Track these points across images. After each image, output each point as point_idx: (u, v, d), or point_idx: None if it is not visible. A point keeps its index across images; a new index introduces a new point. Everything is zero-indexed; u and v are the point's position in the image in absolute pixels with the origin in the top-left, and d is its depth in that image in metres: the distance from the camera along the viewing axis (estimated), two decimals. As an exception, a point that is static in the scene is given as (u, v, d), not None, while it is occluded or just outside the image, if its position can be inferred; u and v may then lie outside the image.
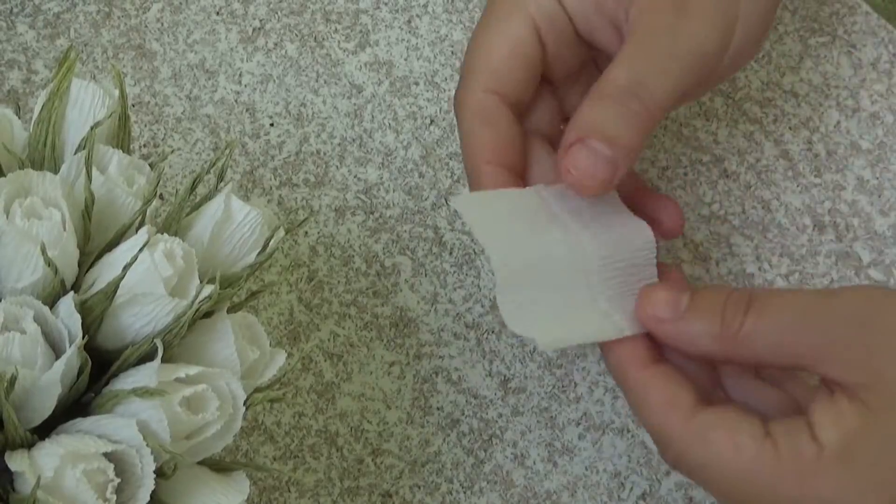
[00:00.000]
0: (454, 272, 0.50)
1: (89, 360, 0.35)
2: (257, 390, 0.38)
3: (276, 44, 0.54)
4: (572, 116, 0.41)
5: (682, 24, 0.41)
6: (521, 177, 0.43)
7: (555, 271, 0.41)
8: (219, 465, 0.38)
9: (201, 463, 0.37)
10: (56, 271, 0.35)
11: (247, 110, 0.52)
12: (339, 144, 0.52)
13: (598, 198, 0.42)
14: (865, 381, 0.38)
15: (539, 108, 0.45)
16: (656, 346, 0.41)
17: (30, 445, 0.34)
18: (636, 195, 0.45)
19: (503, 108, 0.43)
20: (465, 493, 0.47)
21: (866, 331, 0.38)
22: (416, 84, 0.54)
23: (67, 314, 0.35)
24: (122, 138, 0.40)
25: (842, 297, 0.39)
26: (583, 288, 0.41)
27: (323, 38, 0.54)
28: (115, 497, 0.33)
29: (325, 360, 0.49)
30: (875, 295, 0.39)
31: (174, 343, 0.36)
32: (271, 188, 0.51)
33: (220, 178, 0.40)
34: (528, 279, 0.41)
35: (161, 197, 0.50)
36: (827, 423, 0.38)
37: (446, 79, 0.54)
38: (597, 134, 0.40)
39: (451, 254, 0.51)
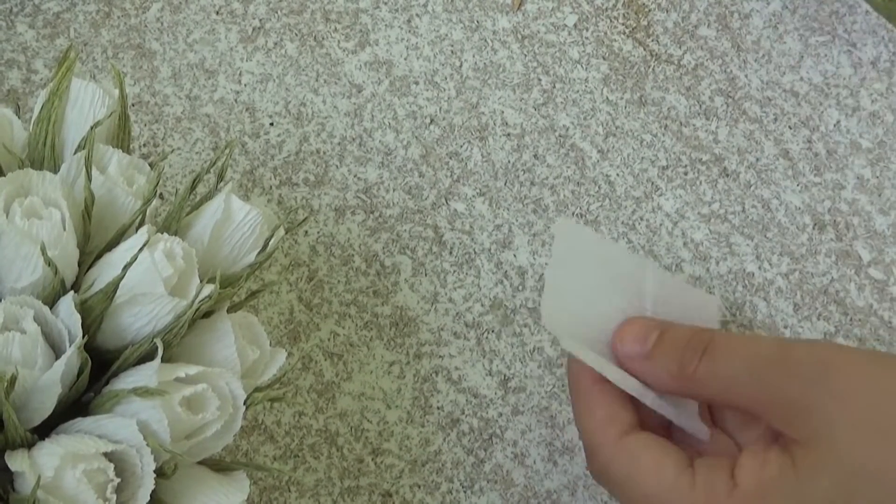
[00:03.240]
0: (454, 271, 0.50)
1: (89, 359, 0.35)
2: (257, 390, 0.38)
3: (275, 43, 0.54)
4: None
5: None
6: None
7: (608, 289, 0.44)
8: (219, 465, 0.38)
9: (201, 463, 0.37)
10: (56, 271, 0.35)
11: (246, 110, 0.52)
12: (339, 144, 0.52)
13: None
14: (801, 439, 0.39)
15: None
16: None
17: (30, 445, 0.34)
18: None
19: None
20: (465, 492, 0.47)
21: (813, 391, 0.39)
22: (416, 83, 0.53)
23: (67, 314, 0.35)
24: (121, 138, 0.40)
25: (796, 351, 0.41)
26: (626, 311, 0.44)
27: (323, 38, 0.54)
28: (115, 497, 0.33)
29: (325, 360, 0.49)
30: (829, 355, 0.40)
31: (174, 343, 0.36)
32: (271, 188, 0.51)
33: (220, 177, 0.40)
34: (577, 294, 0.44)
35: (161, 196, 0.50)
36: (749, 465, 0.40)
37: (446, 78, 0.54)
38: None
39: (451, 253, 0.51)
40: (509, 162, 0.52)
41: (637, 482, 0.41)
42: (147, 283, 0.35)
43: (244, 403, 0.36)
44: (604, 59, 0.54)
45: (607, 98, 0.54)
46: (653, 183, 0.52)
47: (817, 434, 0.39)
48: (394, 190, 0.52)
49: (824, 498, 0.38)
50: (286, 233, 0.40)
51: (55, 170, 0.38)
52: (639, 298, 0.44)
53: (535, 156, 0.52)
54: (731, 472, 0.40)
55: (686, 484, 0.40)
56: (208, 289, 0.36)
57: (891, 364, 0.40)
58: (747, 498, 0.39)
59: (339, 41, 0.54)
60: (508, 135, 0.53)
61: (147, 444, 0.34)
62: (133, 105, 0.52)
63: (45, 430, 0.35)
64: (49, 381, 0.34)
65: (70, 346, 0.34)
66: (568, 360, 0.44)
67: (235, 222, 0.38)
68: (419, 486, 0.47)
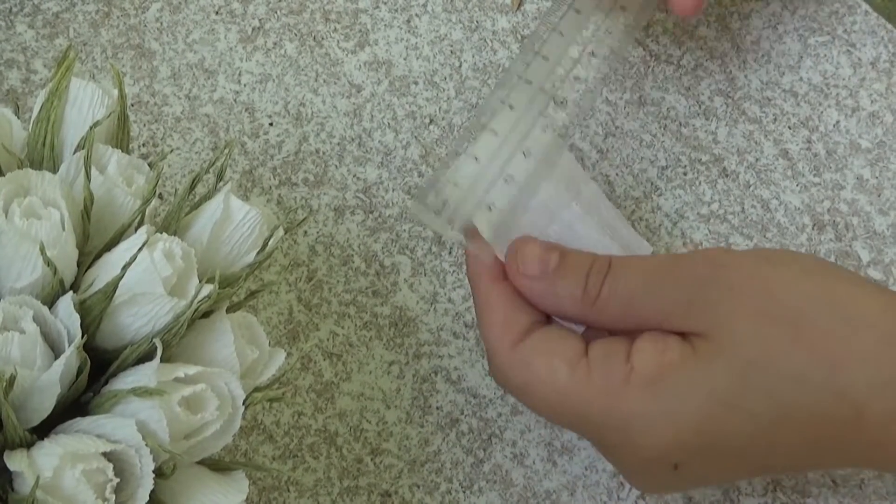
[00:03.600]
0: (453, 271, 0.50)
1: (88, 359, 0.35)
2: (256, 390, 0.38)
3: (275, 43, 0.54)
4: None
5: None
6: None
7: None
8: (218, 465, 0.38)
9: (200, 463, 0.37)
10: (55, 271, 0.35)
11: (246, 110, 0.52)
12: (339, 144, 0.52)
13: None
14: (701, 331, 0.40)
15: None
16: None
17: (29, 445, 0.34)
18: None
19: None
20: (464, 492, 0.47)
21: (707, 289, 0.40)
22: (416, 83, 0.53)
23: (66, 314, 0.35)
24: (121, 138, 0.40)
25: (686, 258, 0.41)
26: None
27: (322, 38, 0.54)
28: (114, 497, 0.33)
29: (325, 360, 0.49)
30: (716, 255, 0.41)
31: (173, 343, 0.36)
32: (270, 188, 0.51)
33: (220, 177, 0.40)
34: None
35: (160, 196, 0.50)
36: (647, 349, 0.40)
37: (445, 78, 0.54)
38: None
39: (450, 253, 0.51)
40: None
41: (533, 388, 0.41)
42: (146, 283, 0.35)
43: (243, 403, 0.36)
44: (603, 59, 0.54)
45: (606, 98, 0.54)
46: (652, 183, 0.52)
47: (715, 325, 0.39)
48: (393, 190, 0.52)
49: (721, 384, 0.39)
50: (285, 233, 0.40)
51: (54, 170, 0.38)
52: (567, 208, 0.44)
53: (534, 156, 0.52)
54: (628, 356, 0.40)
55: (581, 379, 0.40)
56: (207, 289, 0.36)
57: (778, 260, 0.41)
58: (645, 382, 0.39)
59: (338, 41, 0.54)
60: (508, 135, 0.53)
61: (146, 444, 0.34)
62: (132, 105, 0.52)
63: (44, 430, 0.35)
64: (48, 381, 0.34)
65: (69, 346, 0.34)
66: (466, 260, 0.43)
67: (235, 222, 0.38)
68: (418, 486, 0.47)
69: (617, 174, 0.52)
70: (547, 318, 0.43)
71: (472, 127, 0.43)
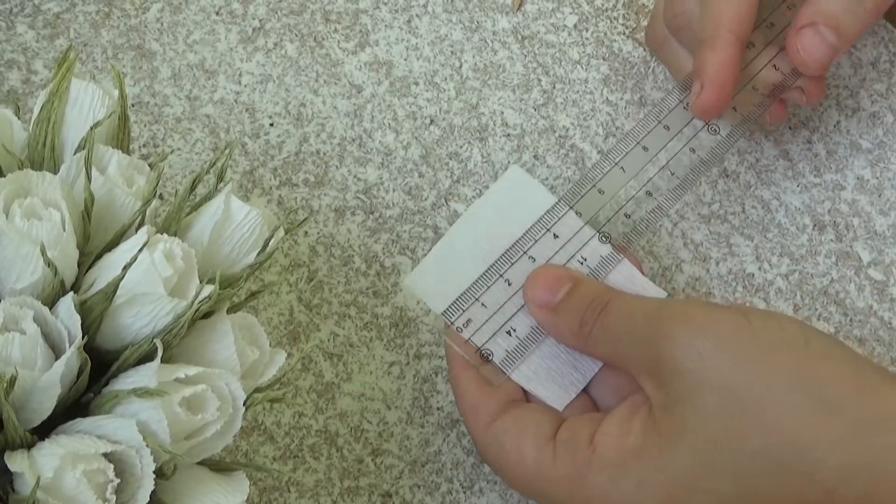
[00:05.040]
0: (454, 272, 0.50)
1: (89, 360, 0.35)
2: (257, 390, 0.38)
3: (275, 44, 0.54)
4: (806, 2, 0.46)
5: None
6: (744, 48, 0.46)
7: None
8: (219, 466, 0.38)
9: (201, 463, 0.37)
10: (56, 272, 0.35)
11: (246, 110, 0.52)
12: (339, 144, 0.52)
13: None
14: (665, 403, 0.39)
15: None
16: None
17: (29, 446, 0.34)
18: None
19: None
20: (465, 493, 0.47)
21: (678, 352, 0.39)
22: (416, 84, 0.53)
23: (67, 315, 0.35)
24: (121, 138, 0.40)
25: (668, 309, 0.41)
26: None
27: (322, 38, 0.54)
28: (114, 497, 0.33)
29: (325, 360, 0.49)
30: (694, 314, 0.40)
31: (174, 343, 0.36)
32: (271, 188, 0.51)
33: (220, 178, 0.40)
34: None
35: (161, 197, 0.50)
36: (611, 433, 0.40)
37: (446, 79, 0.54)
38: (829, 21, 0.45)
39: (450, 254, 0.51)
40: (509, 162, 0.52)
41: (505, 468, 0.42)
42: (147, 283, 0.35)
43: (244, 404, 0.36)
44: (604, 59, 0.54)
45: (607, 99, 0.54)
46: (653, 183, 0.52)
47: (681, 396, 0.39)
48: (394, 190, 0.52)
49: (684, 468, 0.38)
50: (286, 233, 0.40)
51: (55, 170, 0.38)
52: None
53: (535, 156, 0.52)
54: (592, 439, 0.40)
55: (547, 462, 0.40)
56: (208, 289, 0.36)
57: (758, 326, 0.39)
58: (606, 468, 0.39)
59: (338, 42, 0.54)
60: (508, 135, 0.53)
61: (147, 445, 0.34)
62: (133, 105, 0.52)
63: (44, 430, 0.35)
64: (49, 382, 0.34)
65: (70, 346, 0.34)
66: (444, 342, 0.44)
67: (235, 223, 0.38)
68: (419, 487, 0.47)
69: (617, 175, 0.52)
70: (525, 396, 0.43)
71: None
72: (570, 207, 0.45)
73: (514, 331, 0.44)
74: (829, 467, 0.37)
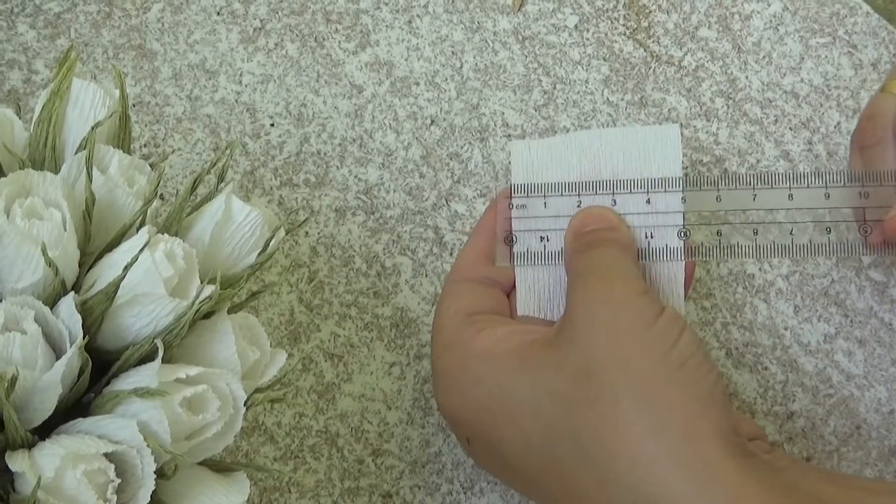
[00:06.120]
0: (455, 272, 0.50)
1: (90, 360, 0.35)
2: (258, 391, 0.38)
3: (276, 44, 0.54)
4: None
5: None
6: None
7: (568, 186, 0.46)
8: (219, 466, 0.38)
9: (202, 463, 0.37)
10: (57, 272, 0.35)
11: (247, 110, 0.52)
12: (340, 145, 0.52)
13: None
14: (546, 338, 0.41)
15: None
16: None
17: (30, 446, 0.34)
18: None
19: None
20: (465, 493, 0.47)
21: (579, 299, 0.41)
22: (417, 84, 0.53)
23: (68, 314, 0.35)
24: (122, 138, 0.40)
25: (605, 273, 0.43)
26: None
27: (323, 39, 0.54)
28: (115, 497, 0.33)
29: (326, 361, 0.49)
30: (615, 285, 0.42)
31: (175, 343, 0.36)
32: (272, 188, 0.51)
33: (221, 178, 0.40)
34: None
35: (161, 197, 0.50)
36: (497, 333, 0.42)
37: (447, 79, 0.54)
38: None
39: (451, 254, 0.51)
40: (510, 163, 0.52)
41: (437, 324, 0.44)
42: (148, 283, 0.35)
43: (244, 404, 0.36)
44: (604, 60, 0.54)
45: (608, 99, 0.54)
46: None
47: (556, 343, 0.41)
48: (394, 191, 0.51)
49: (516, 396, 0.40)
50: (287, 234, 0.40)
51: (56, 170, 0.38)
52: (597, 172, 0.46)
53: (535, 157, 0.52)
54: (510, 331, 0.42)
55: (450, 323, 0.43)
56: (209, 290, 0.36)
57: (653, 331, 0.40)
58: (465, 351, 0.41)
59: (339, 42, 0.54)
60: (509, 136, 0.53)
61: (147, 445, 0.34)
62: (134, 105, 0.52)
63: (45, 430, 0.35)
64: (49, 382, 0.34)
65: (71, 346, 0.34)
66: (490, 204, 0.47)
67: (236, 223, 0.38)
68: (419, 487, 0.47)
69: (618, 175, 0.52)
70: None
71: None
72: (682, 190, 0.45)
73: (547, 240, 0.45)
74: (622, 483, 0.37)
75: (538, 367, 0.40)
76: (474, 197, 0.52)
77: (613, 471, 0.37)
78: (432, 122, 0.53)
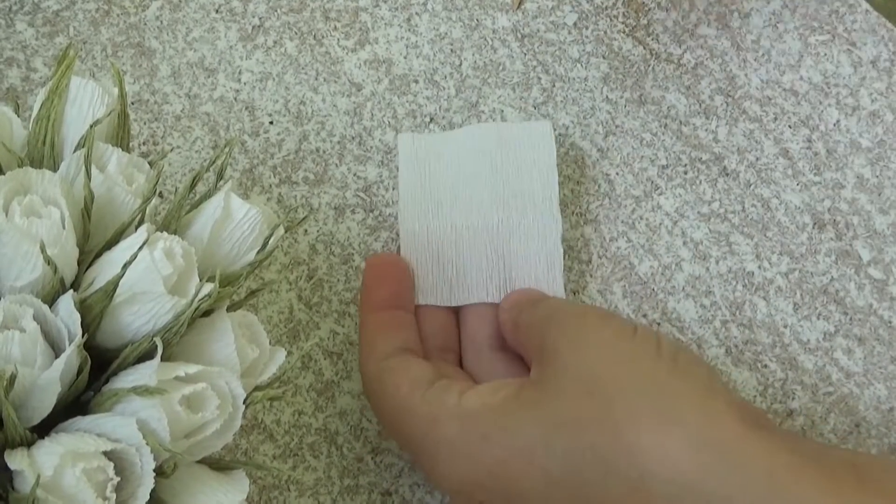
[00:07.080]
0: (454, 270, 0.50)
1: (89, 358, 0.35)
2: (257, 389, 0.38)
3: (275, 42, 0.54)
4: None
5: None
6: None
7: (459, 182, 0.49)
8: (218, 464, 0.38)
9: (201, 461, 0.37)
10: (55, 270, 0.35)
11: (246, 108, 0.52)
12: (339, 142, 0.52)
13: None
14: (534, 378, 0.41)
15: None
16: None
17: (29, 444, 0.34)
18: None
19: None
20: (464, 491, 0.47)
21: (559, 339, 0.42)
22: (416, 82, 0.53)
23: (67, 313, 0.35)
24: (121, 136, 0.40)
25: (565, 307, 0.44)
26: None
27: (322, 36, 0.54)
28: (114, 496, 0.33)
29: (325, 359, 0.49)
30: (582, 311, 0.43)
31: (174, 341, 0.36)
32: (271, 186, 0.51)
33: (220, 176, 0.40)
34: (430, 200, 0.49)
35: (160, 195, 0.50)
36: (483, 389, 0.42)
37: (446, 77, 0.54)
38: None
39: (450, 252, 0.51)
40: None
41: (380, 400, 0.43)
42: (146, 281, 0.35)
43: (244, 402, 0.36)
44: (603, 57, 0.54)
45: (607, 97, 0.54)
46: (652, 182, 0.52)
47: (548, 377, 0.41)
48: (393, 188, 0.51)
49: (526, 437, 0.40)
50: (286, 231, 0.40)
51: (55, 168, 0.38)
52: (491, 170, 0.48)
53: (534, 155, 0.52)
54: (461, 393, 0.42)
55: (416, 397, 0.42)
56: (208, 287, 0.36)
57: (637, 338, 0.41)
58: (462, 415, 0.41)
59: (338, 39, 0.54)
60: (508, 134, 0.53)
61: (146, 443, 0.34)
62: (132, 103, 0.52)
63: (44, 428, 0.35)
64: (48, 380, 0.34)
65: (69, 344, 0.34)
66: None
67: (235, 221, 0.38)
68: (418, 486, 0.47)
69: (617, 173, 0.52)
70: (420, 352, 0.46)
71: None
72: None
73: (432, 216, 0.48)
74: (657, 479, 0.37)
75: (536, 406, 0.40)
76: (473, 195, 0.52)
77: (644, 470, 0.37)
78: (431, 119, 0.53)
